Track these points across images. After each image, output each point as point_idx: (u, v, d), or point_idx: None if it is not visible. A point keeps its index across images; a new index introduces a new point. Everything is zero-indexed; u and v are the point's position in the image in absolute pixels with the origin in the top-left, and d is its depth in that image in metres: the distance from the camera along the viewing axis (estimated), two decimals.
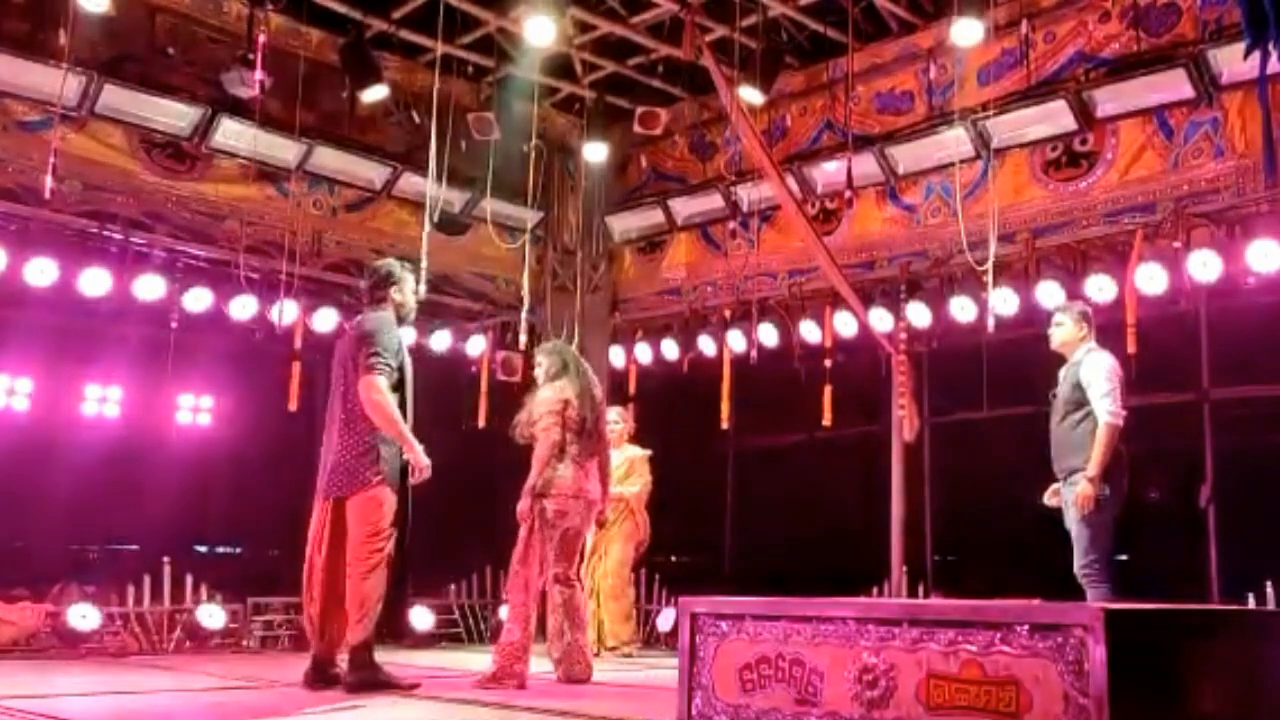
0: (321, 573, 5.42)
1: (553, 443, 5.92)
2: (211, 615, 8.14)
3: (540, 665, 6.00)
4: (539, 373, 6.31)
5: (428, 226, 8.16)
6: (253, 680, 5.96)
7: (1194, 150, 7.67)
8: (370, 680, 5.28)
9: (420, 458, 5.42)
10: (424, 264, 8.07)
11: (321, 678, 5.39)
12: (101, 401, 9.10)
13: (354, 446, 5.40)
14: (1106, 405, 5.53)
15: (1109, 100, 7.89)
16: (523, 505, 5.94)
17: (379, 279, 5.75)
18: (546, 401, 6.04)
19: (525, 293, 9.08)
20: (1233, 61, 7.12)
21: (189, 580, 8.18)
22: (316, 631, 5.44)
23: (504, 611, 6.36)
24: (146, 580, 8.04)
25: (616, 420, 8.27)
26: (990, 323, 7.76)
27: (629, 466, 8.15)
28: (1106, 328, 6.43)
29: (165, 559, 8.16)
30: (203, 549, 9.63)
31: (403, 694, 5.22)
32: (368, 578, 5.31)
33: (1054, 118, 8.06)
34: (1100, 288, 7.65)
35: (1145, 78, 7.68)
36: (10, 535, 8.29)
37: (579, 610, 6.07)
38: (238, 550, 9.88)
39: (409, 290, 5.83)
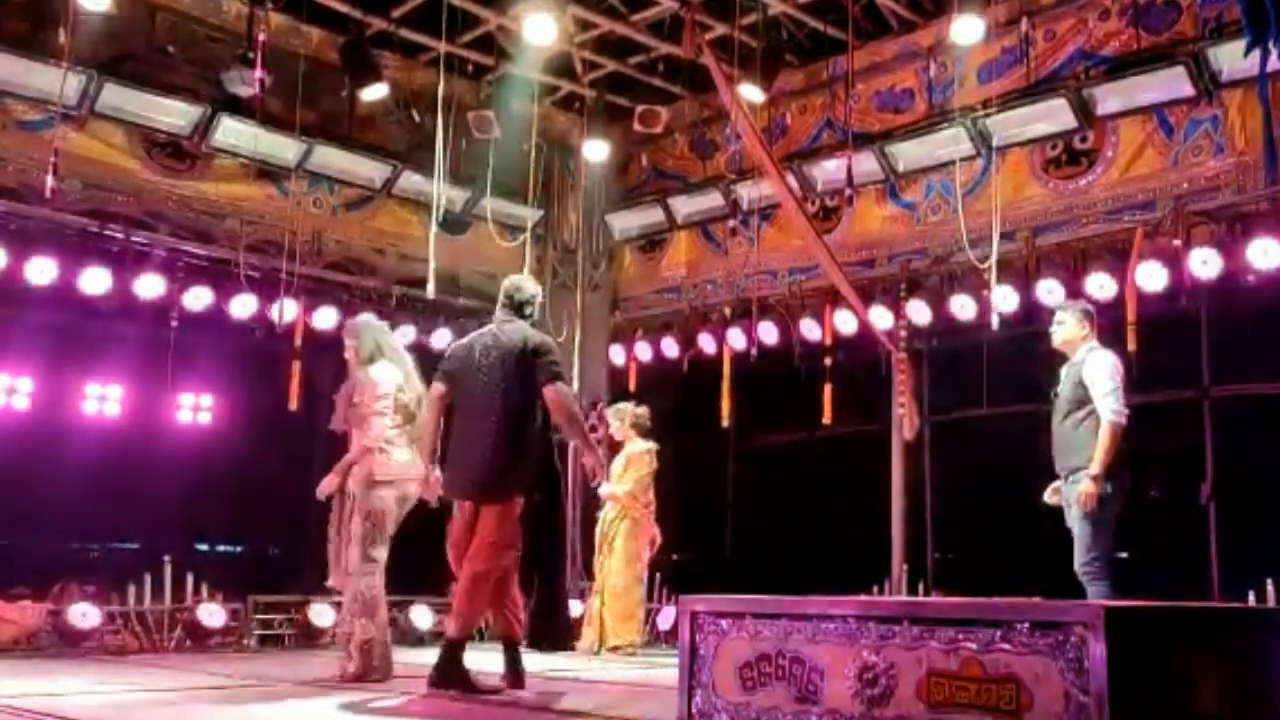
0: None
1: (386, 427, 5.70)
2: (212, 614, 8.14)
3: (544, 664, 6.00)
4: (349, 354, 5.95)
5: (434, 227, 8.16)
6: (250, 679, 5.96)
7: (1194, 148, 7.67)
8: (454, 676, 5.21)
9: (600, 459, 5.58)
10: (432, 264, 8.08)
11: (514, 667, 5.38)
12: (102, 400, 9.11)
13: (511, 453, 5.31)
14: (1110, 404, 5.52)
15: (1109, 98, 7.89)
16: (331, 482, 5.75)
17: (527, 298, 5.66)
18: (379, 385, 5.76)
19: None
20: (1233, 59, 7.13)
21: (189, 579, 8.17)
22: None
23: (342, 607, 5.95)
24: (147, 579, 8.04)
25: (614, 418, 8.29)
26: (994, 320, 7.76)
27: (625, 463, 8.15)
28: (1107, 326, 6.42)
29: (165, 557, 8.15)
30: (203, 547, 9.64)
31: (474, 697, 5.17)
32: (487, 579, 5.25)
33: (1054, 116, 8.05)
34: (1100, 286, 7.65)
35: (1145, 76, 7.69)
36: (11, 534, 8.29)
37: (377, 597, 5.75)
38: (238, 549, 9.89)
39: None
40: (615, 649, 7.97)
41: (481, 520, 5.28)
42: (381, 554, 5.73)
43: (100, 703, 4.95)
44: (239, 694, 5.15)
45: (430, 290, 8.10)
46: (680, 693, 3.82)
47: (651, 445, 8.30)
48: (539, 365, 5.32)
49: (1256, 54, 6.08)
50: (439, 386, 5.47)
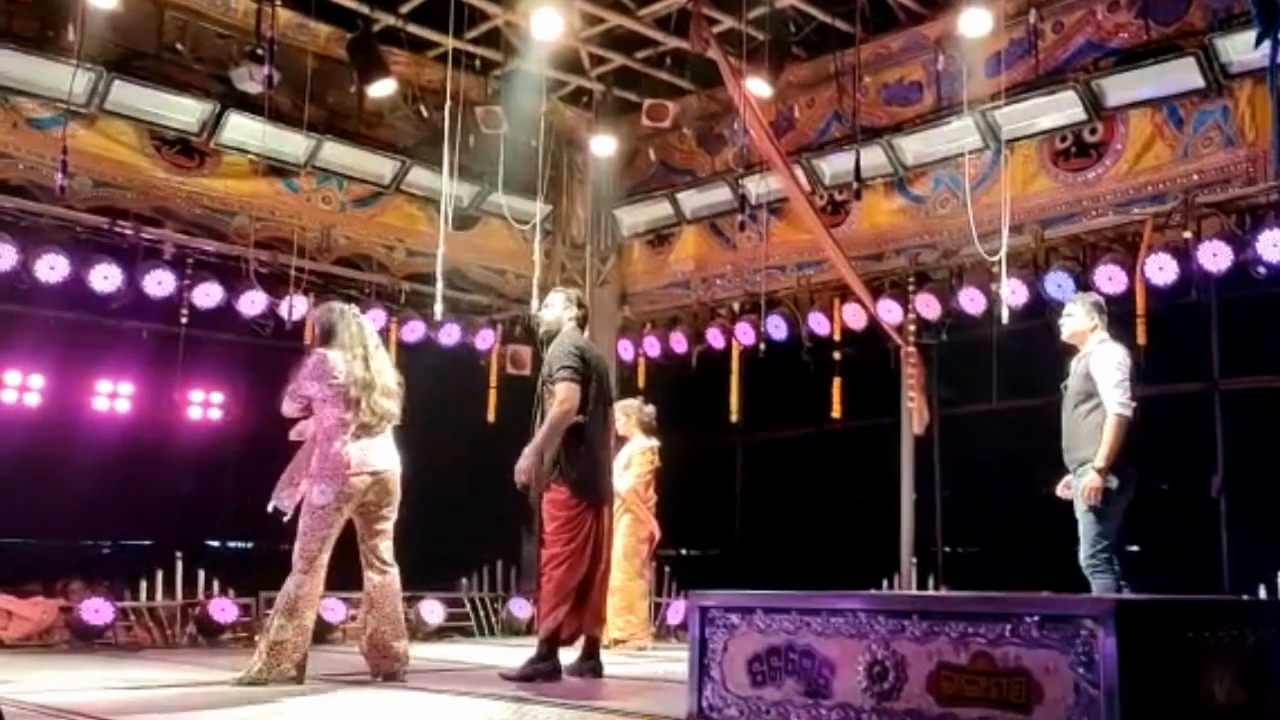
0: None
1: (338, 419, 5.40)
2: (223, 609, 8.18)
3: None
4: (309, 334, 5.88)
5: (442, 222, 8.14)
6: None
7: (1203, 140, 7.64)
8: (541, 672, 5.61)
9: None
10: (440, 260, 8.08)
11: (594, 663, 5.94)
12: (112, 397, 9.14)
13: None
14: (1117, 397, 5.51)
15: (1118, 90, 7.85)
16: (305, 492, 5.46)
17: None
18: (308, 367, 5.46)
19: (535, 286, 9.05)
20: (1242, 51, 7.10)
21: (201, 575, 8.22)
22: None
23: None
24: (159, 575, 8.09)
25: (620, 414, 8.27)
26: (1005, 314, 7.73)
27: (627, 460, 8.15)
28: (1116, 318, 6.40)
29: (177, 553, 8.20)
30: (214, 543, 9.67)
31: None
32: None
33: (1063, 108, 8.03)
34: (1110, 278, 7.62)
35: (1154, 67, 7.65)
36: (23, 531, 8.33)
37: (387, 598, 5.51)
38: (249, 545, 9.91)
39: None
40: (617, 642, 7.97)
41: (611, 523, 6.00)
42: (315, 552, 5.33)
43: (113, 698, 4.97)
44: (250, 689, 5.16)
45: (439, 290, 8.09)
46: (690, 687, 3.83)
47: (654, 443, 8.31)
48: (608, 387, 6.14)
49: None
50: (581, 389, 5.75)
